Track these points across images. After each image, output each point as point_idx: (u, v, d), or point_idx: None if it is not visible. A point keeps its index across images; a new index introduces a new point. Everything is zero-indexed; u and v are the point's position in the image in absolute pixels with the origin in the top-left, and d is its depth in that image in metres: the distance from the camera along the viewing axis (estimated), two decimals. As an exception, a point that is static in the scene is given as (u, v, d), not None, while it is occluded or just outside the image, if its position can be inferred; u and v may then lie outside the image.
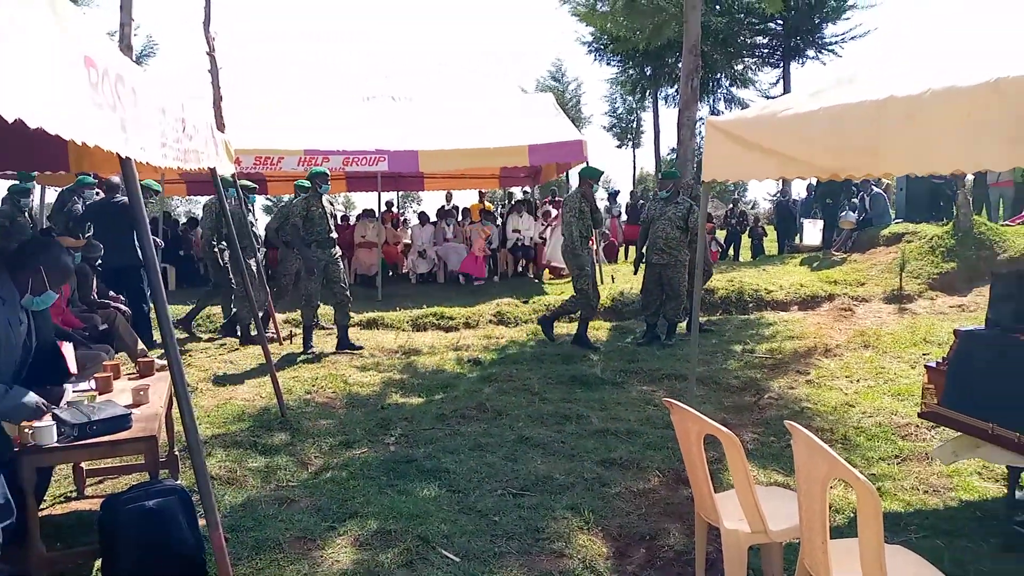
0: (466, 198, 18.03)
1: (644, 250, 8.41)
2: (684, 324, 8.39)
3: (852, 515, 3.75)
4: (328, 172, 8.36)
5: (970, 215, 10.97)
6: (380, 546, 3.65)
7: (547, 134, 12.45)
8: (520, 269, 13.83)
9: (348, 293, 8.21)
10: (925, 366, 4.04)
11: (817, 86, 4.00)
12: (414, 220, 15.48)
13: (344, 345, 8.13)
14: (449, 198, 15.62)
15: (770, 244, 16.25)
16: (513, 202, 15.79)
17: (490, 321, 9.76)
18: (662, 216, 8.10)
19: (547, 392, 6.45)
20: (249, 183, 8.99)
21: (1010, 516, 3.62)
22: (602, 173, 8.44)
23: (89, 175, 8.64)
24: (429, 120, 13.26)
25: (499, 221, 14.27)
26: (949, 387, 3.84)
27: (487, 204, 16.28)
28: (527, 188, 18.06)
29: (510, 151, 11.98)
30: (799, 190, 17.06)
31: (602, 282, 12.06)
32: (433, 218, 14.04)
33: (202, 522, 3.22)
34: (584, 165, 9.05)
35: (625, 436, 5.24)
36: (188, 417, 2.76)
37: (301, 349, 8.11)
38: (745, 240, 16.06)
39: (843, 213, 13.71)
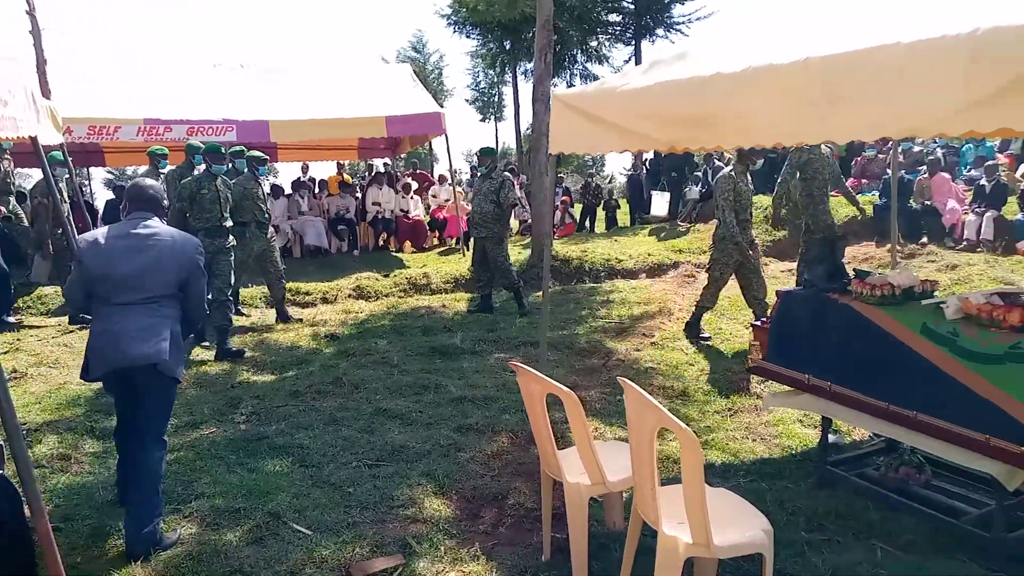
0: (324, 170, 17.52)
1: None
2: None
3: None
4: (267, 157, 7.99)
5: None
6: (228, 525, 3.56)
7: (405, 105, 12.31)
8: (381, 243, 13.64)
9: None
10: (751, 324, 4.38)
11: (651, 62, 4.18)
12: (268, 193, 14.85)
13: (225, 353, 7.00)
14: (305, 170, 15.12)
15: (624, 216, 16.90)
16: (373, 174, 15.51)
17: (349, 296, 9.61)
18: (479, 192, 8.38)
19: (406, 364, 6.45)
20: (260, 154, 8.11)
21: (823, 458, 4.01)
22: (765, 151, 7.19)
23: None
24: (281, 89, 12.74)
25: (358, 193, 13.99)
26: (772, 343, 4.18)
27: (346, 176, 15.91)
28: (387, 160, 17.78)
29: (367, 122, 11.75)
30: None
31: (463, 255, 12.16)
32: (288, 190, 13.56)
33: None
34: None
35: (482, 402, 5.34)
36: (4, 400, 2.56)
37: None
38: (600, 213, 16.59)
39: (686, 188, 14.50)
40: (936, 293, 3.84)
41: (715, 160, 14.45)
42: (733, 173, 6.72)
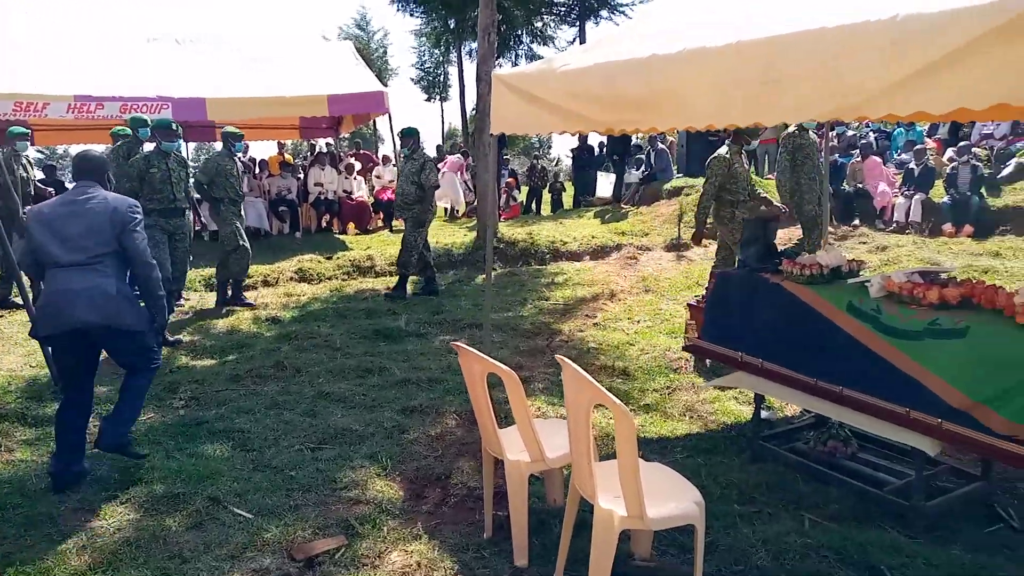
0: (264, 149, 17.17)
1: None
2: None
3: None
4: (243, 133, 8.06)
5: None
6: (167, 510, 3.52)
7: (347, 84, 12.12)
8: (324, 224, 13.45)
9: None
10: (687, 304, 4.48)
11: (590, 43, 4.21)
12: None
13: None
14: (245, 150, 14.76)
15: (569, 199, 17.06)
16: (315, 154, 15.26)
17: (291, 278, 9.47)
18: (402, 173, 8.33)
19: (350, 347, 6.41)
20: (235, 130, 7.97)
21: (756, 433, 4.14)
22: (759, 133, 6.71)
23: None
24: (219, 66, 12.40)
25: (300, 174, 13.75)
26: (707, 322, 4.30)
27: (287, 156, 15.60)
28: (330, 140, 17.49)
29: (308, 100, 11.55)
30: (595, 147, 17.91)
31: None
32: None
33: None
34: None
35: (426, 384, 5.36)
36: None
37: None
38: (546, 196, 16.70)
39: (628, 172, 14.70)
40: (862, 272, 3.99)
41: (658, 143, 14.64)
42: (727, 154, 6.29)
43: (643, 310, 7.37)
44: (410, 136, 8.40)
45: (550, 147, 45.79)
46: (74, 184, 3.87)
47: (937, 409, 3.11)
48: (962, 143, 11.64)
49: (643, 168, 14.43)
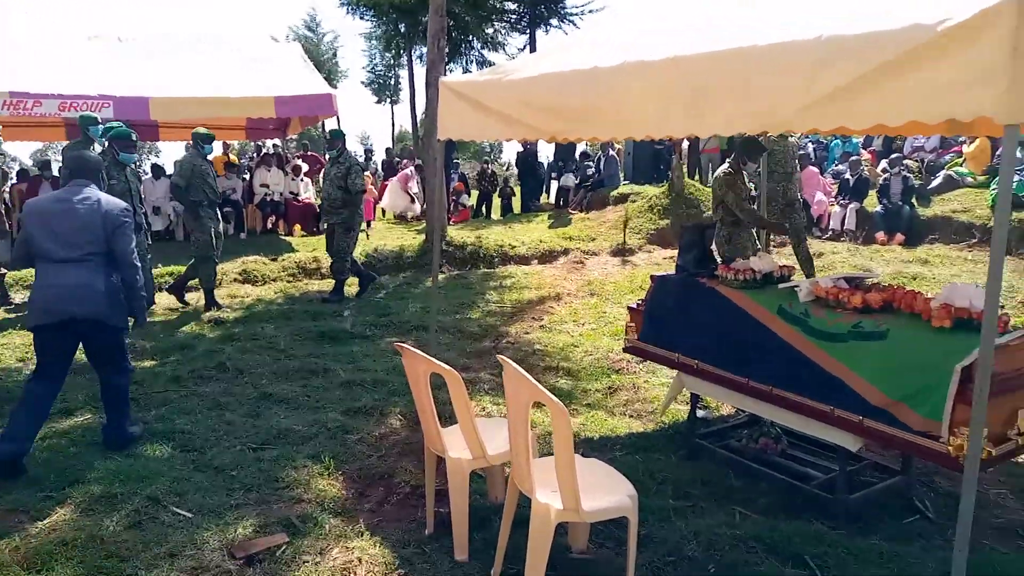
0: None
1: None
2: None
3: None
4: (213, 134, 8.02)
5: (683, 178, 12.40)
6: (104, 511, 3.48)
7: (295, 85, 12.00)
8: (269, 226, 13.30)
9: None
10: (628, 307, 4.61)
11: (537, 53, 4.30)
12: (148, 174, 14.17)
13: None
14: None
15: (518, 203, 17.19)
16: (261, 155, 15.07)
17: (235, 280, 9.36)
18: (327, 176, 8.21)
19: (294, 348, 6.38)
20: (205, 131, 7.83)
21: (692, 431, 4.29)
22: (765, 149, 6.06)
23: None
24: (163, 65, 12.13)
25: (246, 174, 13.57)
26: (646, 324, 4.43)
27: (232, 157, 15.36)
28: (277, 141, 17.28)
29: (255, 102, 11.38)
30: (547, 152, 18.16)
31: (368, 238, 12.02)
32: (169, 171, 12.99)
33: None
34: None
35: (371, 385, 5.37)
36: None
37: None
38: (497, 200, 16.80)
39: (563, 176, 15.04)
40: (793, 277, 4.17)
41: (609, 150, 14.89)
42: (723, 175, 5.93)
43: (588, 313, 7.51)
44: (337, 139, 8.27)
45: (501, 152, 46.02)
46: (70, 183, 4.05)
47: (859, 407, 3.27)
48: (894, 155, 12.14)
49: (593, 172, 14.71)
